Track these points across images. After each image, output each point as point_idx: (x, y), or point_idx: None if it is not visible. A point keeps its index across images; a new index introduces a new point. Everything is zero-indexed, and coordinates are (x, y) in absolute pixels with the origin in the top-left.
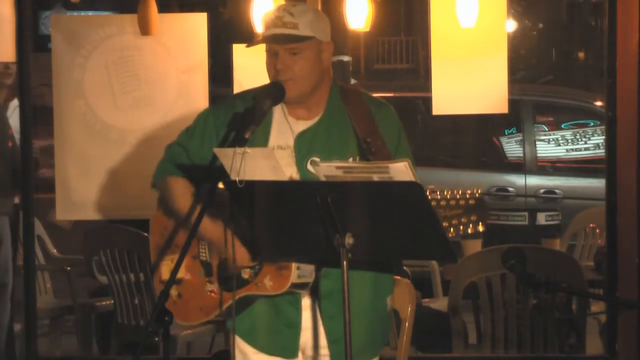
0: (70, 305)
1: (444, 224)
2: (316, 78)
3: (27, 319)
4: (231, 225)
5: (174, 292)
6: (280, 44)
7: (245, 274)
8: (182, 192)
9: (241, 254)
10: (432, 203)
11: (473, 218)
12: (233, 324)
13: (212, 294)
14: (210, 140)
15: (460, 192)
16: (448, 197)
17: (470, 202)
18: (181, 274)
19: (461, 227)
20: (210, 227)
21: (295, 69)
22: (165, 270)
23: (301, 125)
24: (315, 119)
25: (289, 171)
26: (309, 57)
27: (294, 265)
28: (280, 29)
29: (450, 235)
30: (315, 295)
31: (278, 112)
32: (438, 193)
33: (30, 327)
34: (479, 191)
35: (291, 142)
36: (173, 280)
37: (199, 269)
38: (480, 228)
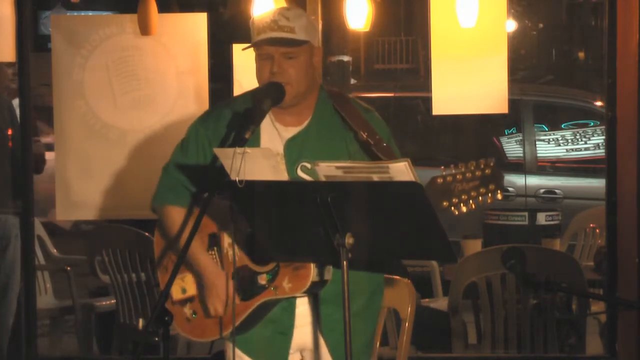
0: (70, 305)
1: (463, 197)
2: (309, 82)
3: (27, 319)
4: (231, 230)
5: (187, 310)
6: (277, 46)
7: (262, 280)
8: (179, 221)
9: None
10: (448, 178)
11: (491, 187)
12: (233, 328)
13: (227, 308)
14: (204, 151)
15: (474, 164)
16: (463, 170)
17: (486, 171)
18: (193, 291)
19: (480, 198)
20: (205, 261)
21: (291, 73)
22: (175, 290)
23: (290, 132)
24: (304, 124)
25: (280, 178)
26: (303, 62)
27: (312, 263)
28: (277, 33)
29: (471, 208)
30: (311, 297)
31: (265, 119)
32: (453, 168)
33: (30, 327)
34: (493, 160)
35: (280, 149)
36: (172, 281)
37: None
38: (499, 196)
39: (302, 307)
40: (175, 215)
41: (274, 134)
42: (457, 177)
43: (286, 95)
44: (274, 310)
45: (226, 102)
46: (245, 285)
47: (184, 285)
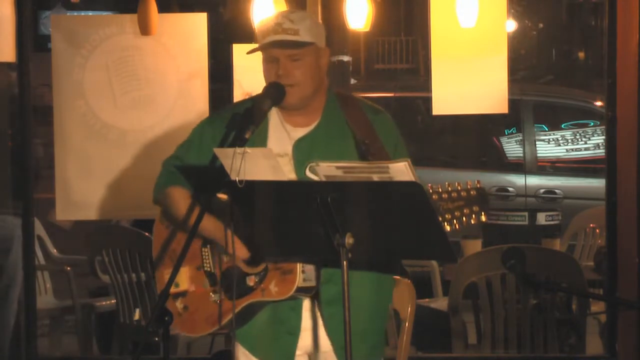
0: (70, 305)
1: (447, 216)
2: (316, 84)
3: (27, 319)
4: (231, 228)
5: (179, 304)
6: (282, 49)
7: (250, 281)
8: (183, 199)
9: (240, 250)
10: (434, 196)
11: (475, 209)
12: (233, 327)
13: (217, 304)
14: (207, 152)
15: (461, 184)
16: (450, 189)
17: (471, 193)
18: (186, 285)
19: (464, 218)
20: (211, 226)
21: (297, 75)
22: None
23: (299, 132)
24: (313, 125)
25: (288, 178)
26: (309, 63)
27: (298, 269)
28: (281, 35)
29: (454, 228)
30: (317, 298)
31: (274, 119)
32: (439, 186)
33: (30, 327)
34: (480, 183)
35: (289, 149)
36: (173, 279)
37: (204, 280)
38: (483, 218)
39: (310, 310)
40: (178, 194)
41: (283, 134)
42: (443, 196)
43: (293, 98)
44: (281, 310)
45: (234, 104)
46: (235, 285)
47: (177, 280)
